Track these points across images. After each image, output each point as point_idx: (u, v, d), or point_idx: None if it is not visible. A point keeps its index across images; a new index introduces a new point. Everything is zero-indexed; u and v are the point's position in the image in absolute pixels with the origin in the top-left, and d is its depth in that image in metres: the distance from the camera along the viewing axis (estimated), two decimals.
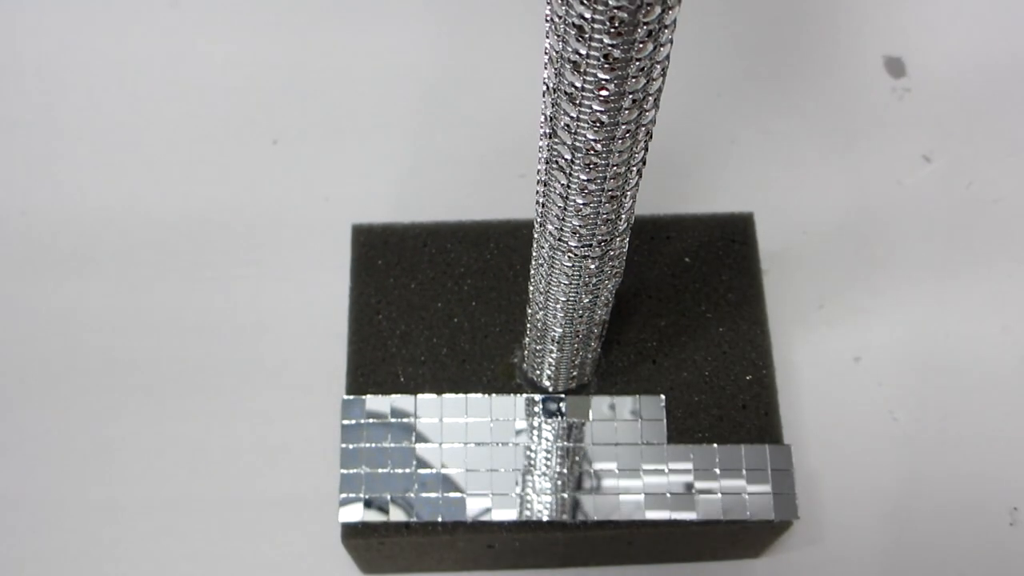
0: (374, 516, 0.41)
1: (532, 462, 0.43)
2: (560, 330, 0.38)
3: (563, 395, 0.44)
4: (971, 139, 0.59)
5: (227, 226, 0.56)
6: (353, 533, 0.42)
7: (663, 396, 0.44)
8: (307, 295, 0.54)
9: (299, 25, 0.62)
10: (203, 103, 0.60)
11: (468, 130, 0.59)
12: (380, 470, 0.42)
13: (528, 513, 0.42)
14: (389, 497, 0.42)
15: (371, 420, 0.43)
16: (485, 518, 0.42)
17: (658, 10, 0.23)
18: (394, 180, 0.57)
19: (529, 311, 0.40)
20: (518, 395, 0.44)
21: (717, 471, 0.42)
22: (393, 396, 0.43)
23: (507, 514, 0.42)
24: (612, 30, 0.23)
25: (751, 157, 0.58)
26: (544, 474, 0.42)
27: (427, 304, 0.46)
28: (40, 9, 0.62)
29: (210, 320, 0.54)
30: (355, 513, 0.42)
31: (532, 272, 0.37)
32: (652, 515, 0.42)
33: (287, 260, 0.55)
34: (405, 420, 0.43)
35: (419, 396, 0.43)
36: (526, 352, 0.43)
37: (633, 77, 0.25)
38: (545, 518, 0.42)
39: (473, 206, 0.52)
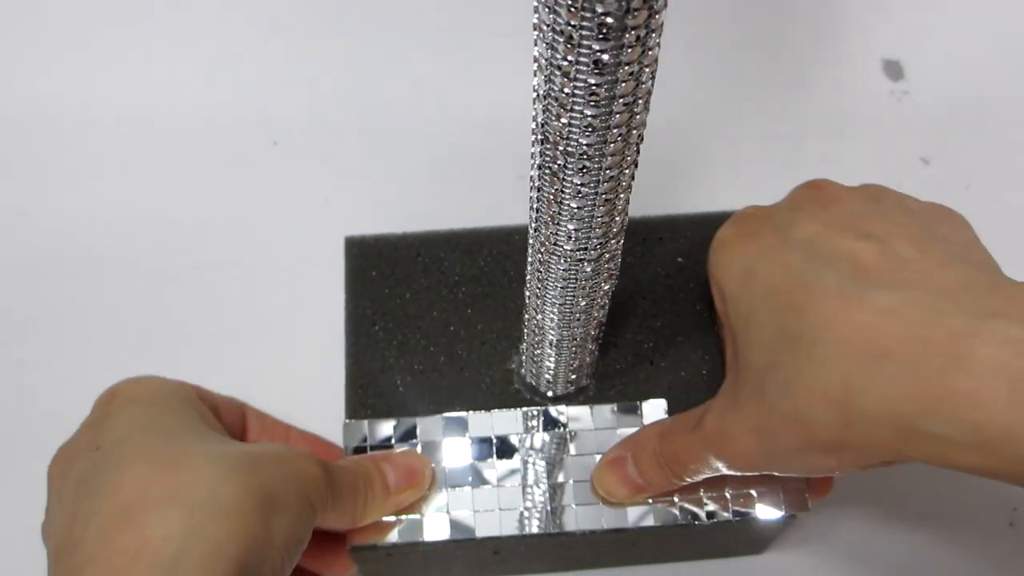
0: (385, 542, 0.41)
1: (537, 475, 0.43)
2: (557, 334, 0.39)
3: (565, 405, 0.44)
4: (969, 141, 0.59)
5: (227, 227, 0.56)
6: (362, 546, 0.42)
7: (665, 400, 0.44)
8: (308, 295, 0.54)
9: (299, 27, 0.63)
10: (203, 104, 0.60)
11: (467, 132, 0.59)
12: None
13: (538, 527, 0.42)
14: (398, 519, 0.42)
15: (374, 444, 0.43)
16: (494, 534, 0.42)
17: (645, 14, 0.23)
18: (394, 180, 0.58)
19: (526, 316, 0.40)
20: (519, 409, 0.44)
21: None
22: (394, 420, 0.43)
23: (515, 528, 0.42)
24: (600, 36, 0.23)
25: (750, 159, 0.58)
26: (550, 485, 0.42)
27: (423, 313, 0.46)
28: (40, 9, 0.62)
29: (208, 322, 0.54)
30: (367, 536, 0.41)
31: (528, 277, 0.37)
32: (660, 520, 0.42)
33: (287, 261, 0.55)
34: (409, 442, 0.43)
35: (419, 418, 0.43)
36: (524, 357, 0.43)
37: (623, 81, 0.25)
38: (553, 530, 0.42)
39: (472, 208, 0.52)
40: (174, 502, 0.31)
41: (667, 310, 0.46)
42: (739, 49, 0.62)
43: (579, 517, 0.42)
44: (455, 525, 0.41)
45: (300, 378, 0.52)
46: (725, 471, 0.37)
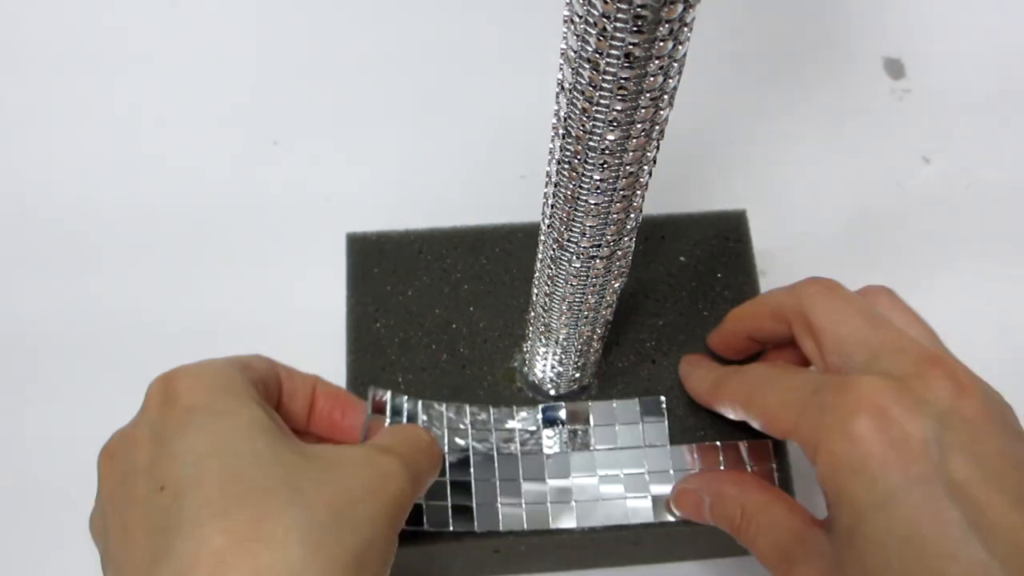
0: None
1: (536, 470, 0.42)
2: (565, 332, 0.39)
3: (563, 402, 0.44)
4: (970, 140, 0.60)
5: (227, 226, 0.56)
6: None
7: (663, 397, 0.44)
8: (307, 296, 0.53)
9: (299, 26, 0.62)
10: (203, 103, 0.59)
11: (468, 131, 0.59)
12: None
13: (538, 523, 0.41)
14: None
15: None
16: (493, 529, 0.41)
17: (680, 8, 0.23)
18: (395, 179, 0.57)
19: (532, 314, 0.40)
20: (519, 407, 0.44)
21: (721, 469, 0.43)
22: (396, 400, 0.43)
23: (514, 524, 0.41)
24: (634, 29, 0.23)
25: (750, 158, 0.59)
26: (549, 482, 0.42)
27: (425, 311, 0.46)
28: (41, 9, 0.62)
29: (208, 321, 0.53)
30: None
31: (536, 274, 0.37)
32: (660, 518, 0.42)
33: (288, 259, 0.55)
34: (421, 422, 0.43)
35: (421, 402, 0.43)
36: (527, 356, 0.43)
37: (652, 75, 0.25)
38: (551, 526, 0.42)
39: (473, 207, 0.52)
40: None
41: (669, 309, 0.46)
42: (739, 47, 0.62)
43: (580, 515, 0.42)
44: (455, 519, 0.41)
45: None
46: None
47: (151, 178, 0.57)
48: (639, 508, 0.42)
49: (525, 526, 0.41)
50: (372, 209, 0.55)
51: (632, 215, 0.32)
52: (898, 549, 0.30)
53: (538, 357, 0.42)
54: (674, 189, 0.57)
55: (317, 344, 0.51)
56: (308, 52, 0.61)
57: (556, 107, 0.28)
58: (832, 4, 0.63)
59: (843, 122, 0.60)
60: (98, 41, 0.61)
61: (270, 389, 0.37)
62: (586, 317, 0.37)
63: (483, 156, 0.58)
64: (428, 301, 0.46)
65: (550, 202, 0.32)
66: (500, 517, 0.41)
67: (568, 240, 0.33)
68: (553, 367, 0.42)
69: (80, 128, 0.59)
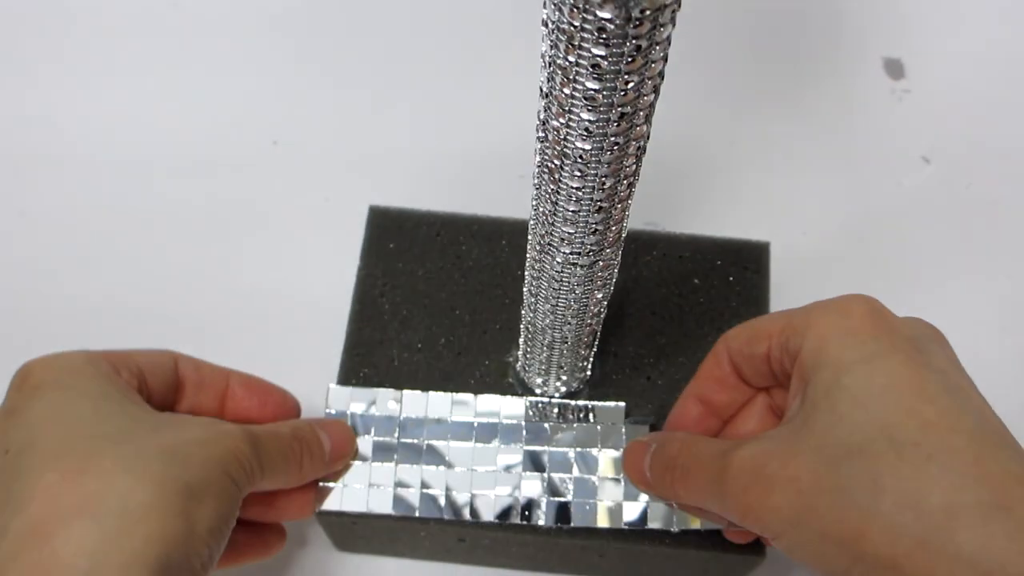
0: (352, 506, 0.42)
1: (513, 464, 0.42)
2: (548, 335, 0.38)
3: (549, 399, 0.44)
4: (970, 140, 0.60)
5: (227, 226, 0.57)
6: (327, 512, 0.42)
7: (623, 403, 0.43)
8: (306, 295, 0.54)
9: (299, 27, 0.63)
10: (203, 103, 0.60)
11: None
12: (361, 461, 0.42)
13: (502, 515, 0.42)
14: (367, 487, 0.42)
15: (356, 411, 0.43)
16: (460, 516, 0.42)
17: (648, 26, 0.23)
18: (396, 179, 0.58)
19: (522, 311, 0.40)
20: (503, 396, 0.44)
21: None
22: (379, 389, 0.43)
23: (483, 514, 0.42)
24: (600, 40, 0.23)
25: (750, 159, 0.59)
26: (524, 475, 0.42)
27: (432, 293, 0.46)
28: (42, 9, 0.63)
29: (209, 319, 0.54)
30: (334, 501, 0.42)
31: (526, 273, 0.37)
32: (629, 524, 0.41)
33: (286, 261, 0.55)
34: (390, 414, 0.43)
35: (405, 392, 0.43)
36: (520, 353, 0.43)
37: (622, 91, 0.25)
38: (518, 520, 0.42)
39: (479, 206, 0.52)
40: (84, 514, 0.30)
41: (674, 330, 0.46)
42: (739, 48, 0.62)
43: (546, 515, 0.41)
44: (424, 501, 0.41)
45: (297, 370, 0.50)
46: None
47: (150, 178, 0.58)
48: (610, 511, 0.41)
49: (492, 518, 0.41)
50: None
51: (613, 227, 0.32)
52: (878, 394, 0.31)
53: (527, 356, 0.42)
54: (673, 191, 0.57)
55: (315, 342, 0.51)
56: (308, 52, 0.62)
57: (538, 110, 0.28)
58: (832, 4, 0.63)
59: (844, 122, 0.60)
60: (99, 41, 0.62)
61: (150, 375, 0.39)
62: (569, 324, 0.37)
63: (488, 155, 0.58)
64: (437, 284, 0.47)
65: (534, 204, 0.32)
66: (468, 506, 0.42)
67: (549, 244, 0.33)
68: (541, 368, 0.42)
69: (80, 128, 0.59)
